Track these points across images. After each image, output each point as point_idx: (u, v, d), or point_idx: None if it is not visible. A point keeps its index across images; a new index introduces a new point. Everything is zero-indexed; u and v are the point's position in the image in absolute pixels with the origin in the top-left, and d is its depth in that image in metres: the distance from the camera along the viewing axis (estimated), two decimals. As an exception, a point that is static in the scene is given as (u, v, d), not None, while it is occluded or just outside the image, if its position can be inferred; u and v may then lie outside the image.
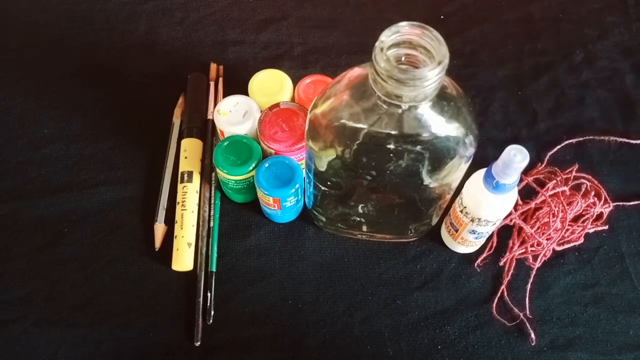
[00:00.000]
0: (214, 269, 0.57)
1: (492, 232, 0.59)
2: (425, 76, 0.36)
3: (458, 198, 0.53)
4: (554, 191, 0.59)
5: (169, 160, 0.62)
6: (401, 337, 0.55)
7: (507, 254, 0.58)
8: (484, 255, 0.59)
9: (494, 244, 0.59)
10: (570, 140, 0.66)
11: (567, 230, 0.59)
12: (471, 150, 0.45)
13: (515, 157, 0.43)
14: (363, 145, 0.44)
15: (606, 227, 0.61)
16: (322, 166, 0.48)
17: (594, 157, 0.65)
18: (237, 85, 0.63)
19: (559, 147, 0.65)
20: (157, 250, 0.58)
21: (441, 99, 0.41)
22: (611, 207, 0.61)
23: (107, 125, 0.66)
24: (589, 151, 0.66)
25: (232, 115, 0.58)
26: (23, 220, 0.60)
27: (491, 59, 0.72)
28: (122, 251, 0.58)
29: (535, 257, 0.58)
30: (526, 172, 0.63)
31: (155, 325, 0.55)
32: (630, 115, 0.69)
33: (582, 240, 0.59)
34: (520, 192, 0.60)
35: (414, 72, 0.37)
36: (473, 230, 0.53)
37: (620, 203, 0.62)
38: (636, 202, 0.62)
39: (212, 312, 0.55)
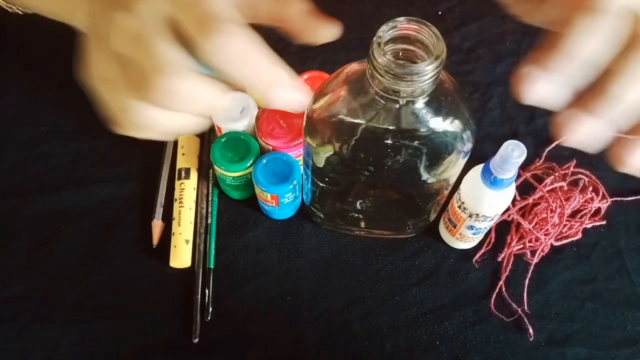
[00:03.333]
0: (211, 266, 0.57)
1: (490, 228, 0.59)
2: (423, 71, 0.36)
3: (456, 194, 0.53)
4: (552, 187, 0.59)
5: (166, 157, 0.62)
6: (399, 333, 0.55)
7: (505, 249, 0.58)
8: (482, 251, 0.59)
9: (492, 240, 0.59)
10: (568, 136, 0.66)
11: (565, 225, 0.59)
12: (469, 146, 0.45)
13: (513, 152, 0.43)
14: (361, 141, 0.43)
15: (604, 223, 0.61)
16: (320, 162, 0.48)
17: (591, 152, 0.65)
18: (234, 81, 0.63)
19: (557, 142, 0.65)
20: (154, 247, 0.58)
21: (439, 94, 0.41)
22: (609, 203, 0.61)
23: (105, 122, 0.66)
24: (587, 147, 0.66)
25: (230, 112, 0.58)
26: (20, 218, 0.59)
27: (489, 55, 0.72)
28: (120, 248, 0.58)
29: (533, 253, 0.58)
30: (524, 167, 0.63)
31: (153, 322, 0.55)
32: (628, 110, 0.69)
33: (580, 235, 0.59)
34: (518, 188, 0.60)
35: (412, 67, 0.36)
36: (471, 226, 0.53)
37: (618, 198, 0.62)
38: (634, 198, 0.62)
39: (210, 309, 0.55)
